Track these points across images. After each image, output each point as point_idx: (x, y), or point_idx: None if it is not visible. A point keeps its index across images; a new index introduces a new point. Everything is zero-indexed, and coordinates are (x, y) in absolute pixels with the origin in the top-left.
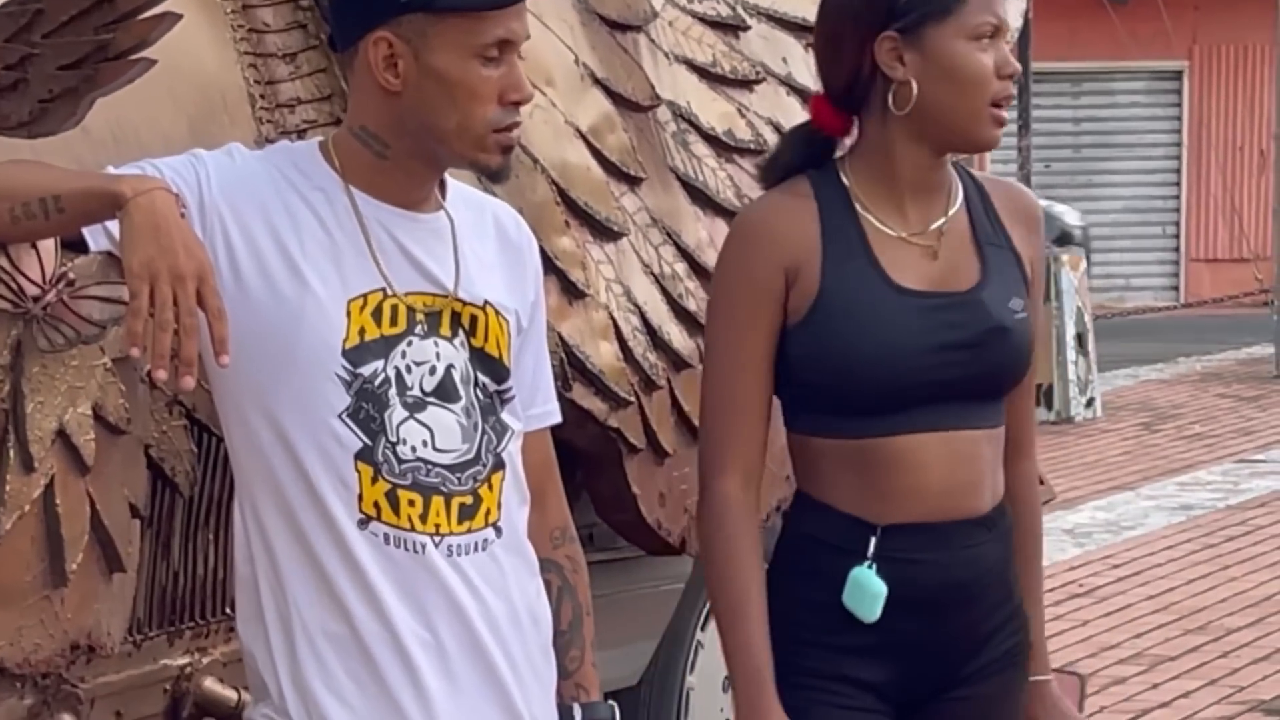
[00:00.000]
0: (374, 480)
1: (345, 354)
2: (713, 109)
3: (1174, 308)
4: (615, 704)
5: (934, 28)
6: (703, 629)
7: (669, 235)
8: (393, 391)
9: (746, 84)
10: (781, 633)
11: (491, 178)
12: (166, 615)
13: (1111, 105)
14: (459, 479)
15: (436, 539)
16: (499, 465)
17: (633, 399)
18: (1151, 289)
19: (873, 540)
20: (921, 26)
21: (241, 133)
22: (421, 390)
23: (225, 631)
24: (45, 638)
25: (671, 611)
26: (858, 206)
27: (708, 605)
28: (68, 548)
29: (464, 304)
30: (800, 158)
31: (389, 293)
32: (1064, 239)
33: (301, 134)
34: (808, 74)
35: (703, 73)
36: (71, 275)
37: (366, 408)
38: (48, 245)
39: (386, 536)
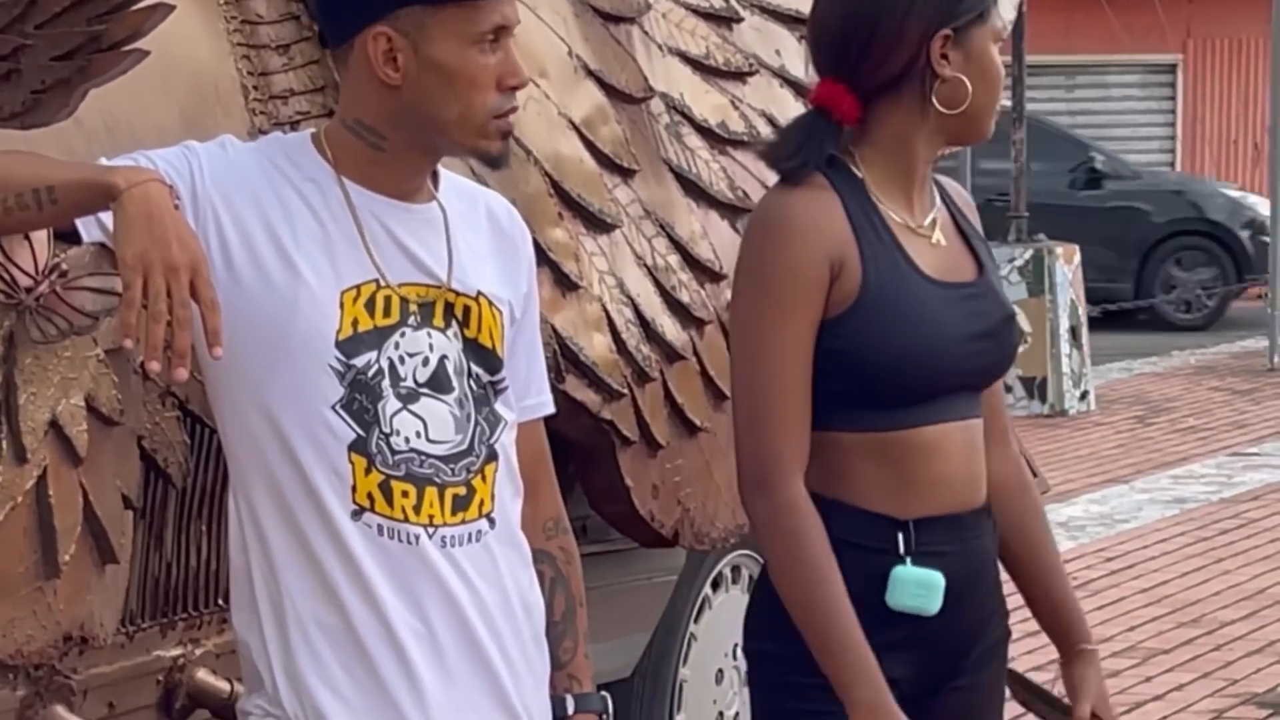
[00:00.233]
0: (367, 471)
1: (338, 345)
2: (706, 101)
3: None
4: (608, 695)
5: (977, 28)
6: (695, 621)
7: (662, 227)
8: (386, 382)
9: (740, 76)
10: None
11: (491, 164)
12: (159, 606)
13: (1105, 98)
14: (452, 470)
15: (430, 530)
16: (492, 456)
17: (626, 391)
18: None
19: (901, 536)
20: (970, 26)
21: (234, 124)
22: (415, 381)
23: (218, 623)
24: (38, 629)
25: (664, 603)
26: (874, 199)
27: (700, 597)
28: (60, 539)
29: (457, 295)
30: (817, 150)
31: (382, 284)
32: (1258, 229)
33: (295, 125)
34: (800, 66)
35: (696, 65)
36: (64, 266)
37: (360, 399)
38: (40, 236)
39: (380, 528)
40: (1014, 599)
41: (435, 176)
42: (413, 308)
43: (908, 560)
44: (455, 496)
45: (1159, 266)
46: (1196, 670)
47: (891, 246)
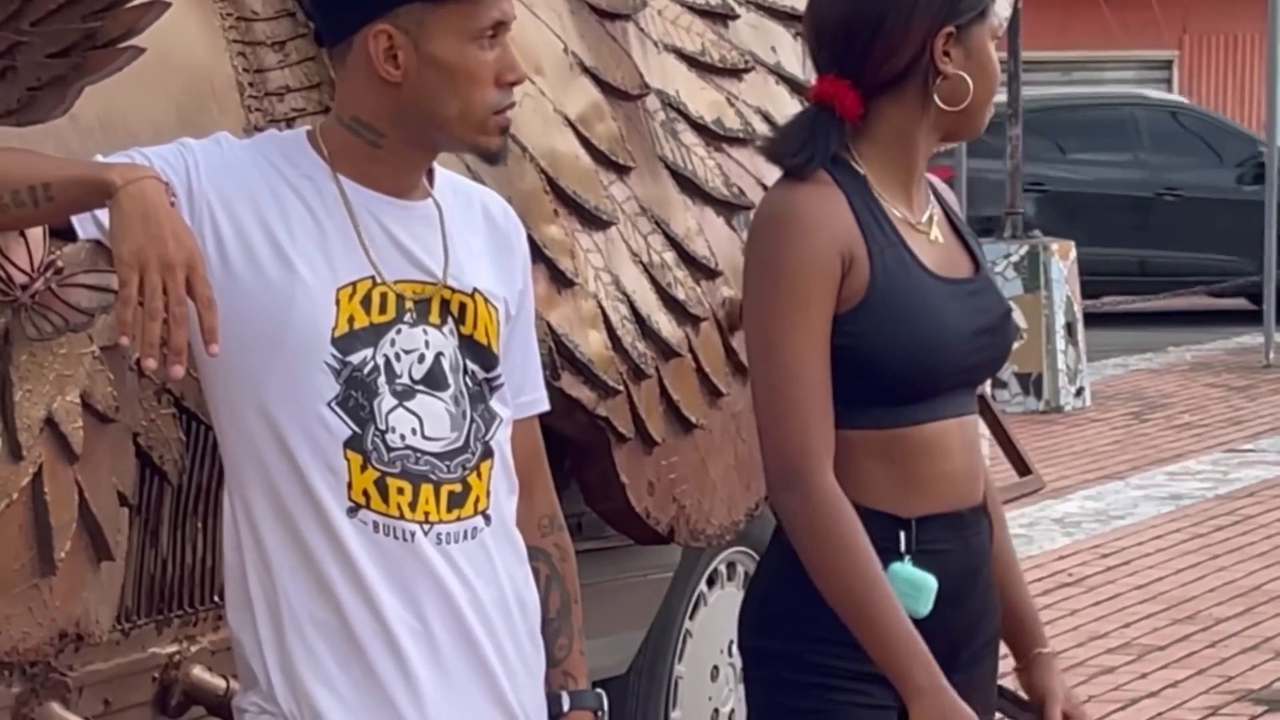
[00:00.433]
0: (363, 468)
1: (334, 342)
2: (702, 98)
3: (1164, 297)
4: (603, 692)
5: (977, 25)
6: (691, 618)
7: (658, 224)
8: (382, 379)
9: (735, 73)
10: (801, 630)
11: (489, 160)
12: (155, 603)
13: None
14: (448, 467)
15: (425, 527)
16: (488, 453)
17: (621, 388)
18: None
19: (903, 534)
20: (971, 23)
21: (230, 121)
22: (410, 378)
23: (214, 620)
24: (34, 626)
25: (660, 600)
26: (877, 195)
27: (696, 594)
28: (56, 536)
29: (453, 291)
30: (823, 147)
31: (378, 281)
32: None
33: (290, 122)
34: (796, 63)
35: (692, 61)
36: (60, 263)
37: (355, 396)
38: (36, 233)
39: (375, 524)
40: None
41: (431, 174)
42: (408, 305)
43: (906, 559)
44: (451, 493)
45: None
46: (1192, 667)
47: (896, 242)
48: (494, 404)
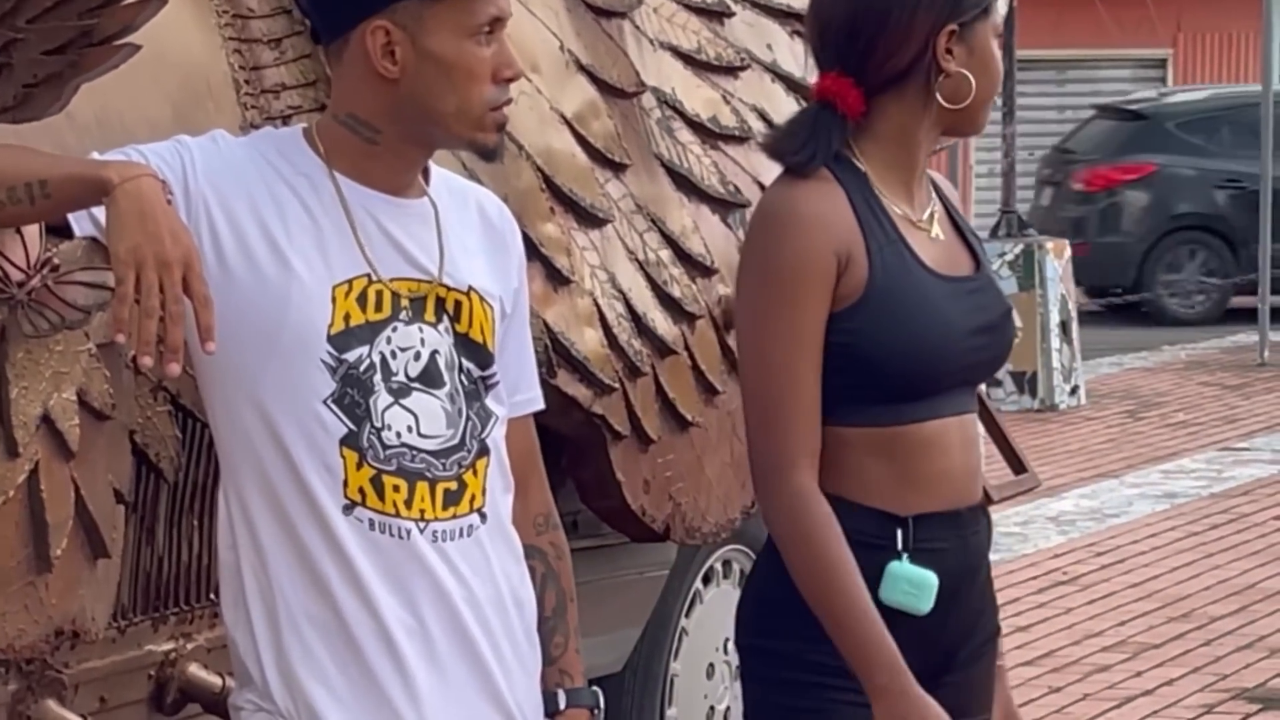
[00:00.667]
0: (359, 466)
1: (330, 340)
2: (697, 95)
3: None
4: (599, 690)
5: (980, 23)
6: (687, 616)
7: (654, 222)
8: (378, 377)
9: (731, 70)
10: (795, 631)
11: (486, 156)
12: (151, 601)
13: (1096, 93)
14: (444, 465)
15: (421, 524)
16: (483, 451)
17: (617, 386)
18: None
19: (900, 532)
20: (974, 21)
21: (226, 118)
22: (406, 376)
23: (210, 617)
24: (30, 623)
25: (656, 598)
26: (877, 192)
27: (692, 592)
28: (52, 533)
29: (448, 289)
30: (827, 145)
31: (374, 278)
32: None
33: (286, 119)
34: (792, 60)
35: (688, 59)
36: (56, 260)
37: (351, 393)
38: (32, 230)
39: (371, 522)
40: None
41: (426, 172)
42: (404, 302)
43: (904, 556)
44: (446, 491)
45: None
46: (1186, 665)
47: (896, 240)
48: (489, 402)
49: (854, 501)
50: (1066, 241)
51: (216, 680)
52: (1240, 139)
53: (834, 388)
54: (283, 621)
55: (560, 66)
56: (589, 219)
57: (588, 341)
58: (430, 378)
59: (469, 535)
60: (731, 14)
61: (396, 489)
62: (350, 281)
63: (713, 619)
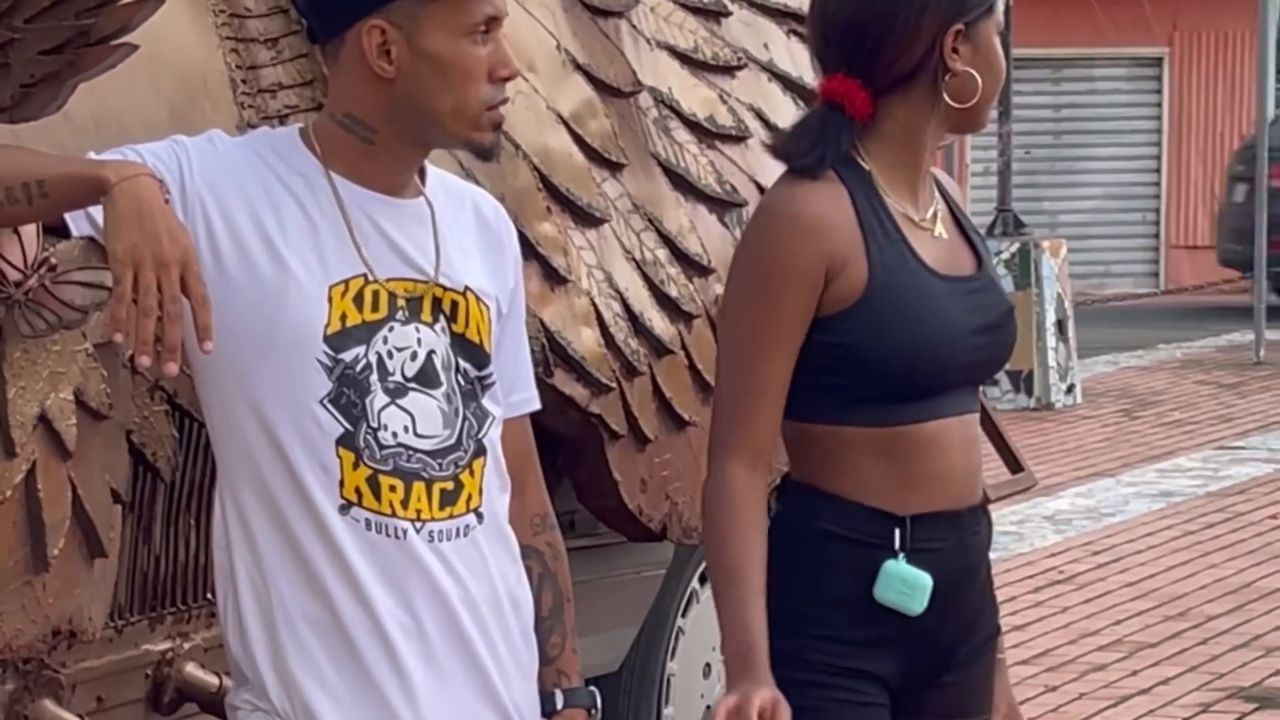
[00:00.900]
0: (355, 466)
1: (327, 339)
2: (694, 95)
3: (1154, 294)
4: (596, 690)
5: (984, 21)
6: (684, 615)
7: (650, 221)
8: (374, 377)
9: (728, 70)
10: (792, 629)
11: (482, 156)
12: (148, 601)
13: (1092, 91)
14: (440, 465)
15: (418, 524)
16: (480, 451)
17: (614, 385)
18: (1132, 275)
19: (898, 531)
20: (979, 20)
21: (223, 118)
22: (403, 376)
23: (207, 617)
24: (27, 623)
25: (653, 598)
26: (881, 192)
27: (688, 591)
28: (49, 533)
29: (445, 289)
30: (844, 145)
31: (370, 278)
32: None
33: (283, 119)
34: (789, 60)
35: (684, 59)
36: (54, 260)
37: (348, 393)
38: (30, 230)
39: (368, 522)
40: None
41: (423, 172)
42: (400, 303)
43: (901, 556)
44: (443, 491)
45: None
46: (1182, 664)
47: (897, 240)
48: (486, 402)
49: (853, 500)
50: (1063, 240)
51: (213, 680)
52: None
53: (834, 388)
54: (279, 621)
55: (557, 66)
56: (586, 218)
57: (585, 341)
58: (427, 378)
59: (465, 535)
60: (728, 13)
61: (393, 489)
62: (347, 281)
63: (709, 618)
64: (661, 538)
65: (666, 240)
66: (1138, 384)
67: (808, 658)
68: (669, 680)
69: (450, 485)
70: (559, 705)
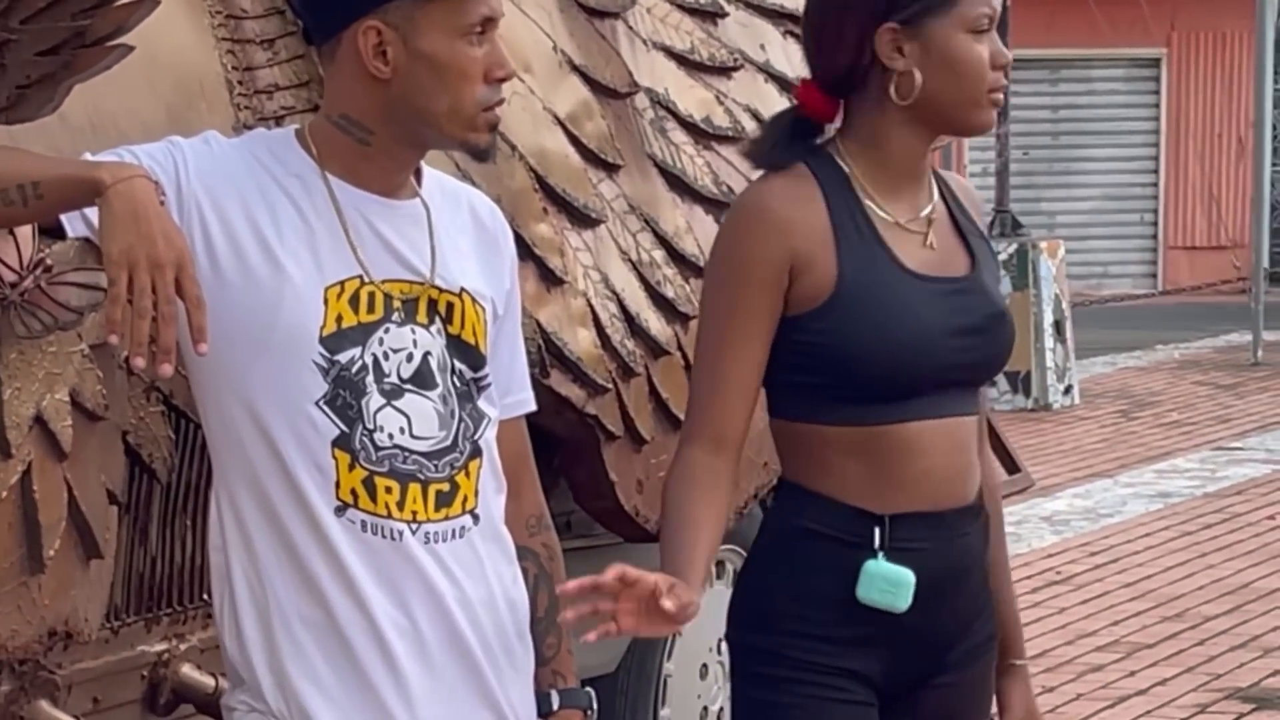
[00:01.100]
0: (351, 467)
1: (323, 341)
2: (691, 96)
3: (1152, 295)
4: (592, 691)
5: (935, 20)
6: None
7: (647, 222)
8: (370, 379)
9: (724, 71)
10: (775, 626)
11: (478, 157)
12: (144, 602)
13: (1090, 92)
14: (436, 466)
15: (413, 526)
16: (476, 452)
17: (610, 386)
18: (1130, 276)
19: (877, 530)
20: (922, 18)
21: (219, 119)
22: (399, 377)
23: (203, 618)
24: (23, 624)
25: None
26: (859, 192)
27: None
28: (45, 534)
29: (440, 291)
30: (794, 144)
31: (366, 280)
32: None
33: (280, 120)
34: (785, 61)
35: (681, 60)
36: (49, 261)
37: (344, 395)
38: (25, 231)
39: (363, 523)
40: None
41: (419, 173)
42: (396, 304)
43: (880, 555)
44: (439, 492)
45: None
46: (1180, 665)
47: (871, 240)
48: (481, 404)
49: (833, 499)
50: (1060, 241)
51: (210, 681)
52: None
53: (811, 386)
54: (275, 622)
55: (553, 67)
56: (582, 219)
57: (581, 342)
58: (423, 379)
59: (461, 536)
60: (725, 14)
61: (389, 490)
62: (342, 283)
63: (706, 619)
64: (658, 539)
65: (663, 241)
66: (1135, 385)
67: (791, 655)
68: (665, 681)
69: (446, 487)
70: (555, 706)
